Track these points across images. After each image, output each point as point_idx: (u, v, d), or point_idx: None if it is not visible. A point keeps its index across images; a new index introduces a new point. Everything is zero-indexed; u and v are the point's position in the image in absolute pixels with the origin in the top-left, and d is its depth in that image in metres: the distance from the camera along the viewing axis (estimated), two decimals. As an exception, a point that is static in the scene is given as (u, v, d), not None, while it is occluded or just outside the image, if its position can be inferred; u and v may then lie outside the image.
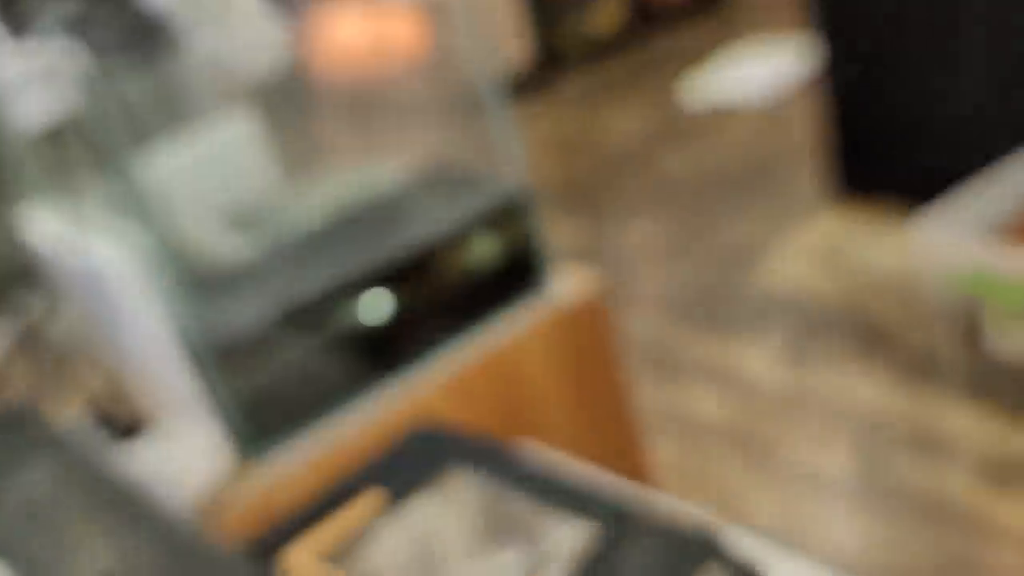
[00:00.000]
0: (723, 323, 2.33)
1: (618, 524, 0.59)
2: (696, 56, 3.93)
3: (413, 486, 0.68)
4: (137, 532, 0.54)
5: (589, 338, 1.13)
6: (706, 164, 3.14)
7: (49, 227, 1.05)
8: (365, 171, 1.22)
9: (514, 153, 1.10)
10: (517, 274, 1.11)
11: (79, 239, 0.94)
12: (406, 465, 0.73)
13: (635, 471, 1.20)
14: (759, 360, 2.15)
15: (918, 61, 2.28)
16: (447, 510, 0.65)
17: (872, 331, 2.14)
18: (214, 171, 1.11)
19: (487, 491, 0.67)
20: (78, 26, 1.16)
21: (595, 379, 1.14)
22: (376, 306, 1.04)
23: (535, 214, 1.12)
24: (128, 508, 0.57)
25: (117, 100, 0.93)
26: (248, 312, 1.01)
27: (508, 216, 1.12)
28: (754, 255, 2.55)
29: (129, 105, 1.00)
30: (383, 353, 1.04)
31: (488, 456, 0.71)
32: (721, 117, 3.42)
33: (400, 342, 1.05)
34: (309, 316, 1.01)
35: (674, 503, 0.65)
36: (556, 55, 4.02)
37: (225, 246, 1.08)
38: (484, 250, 1.10)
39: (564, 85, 4.07)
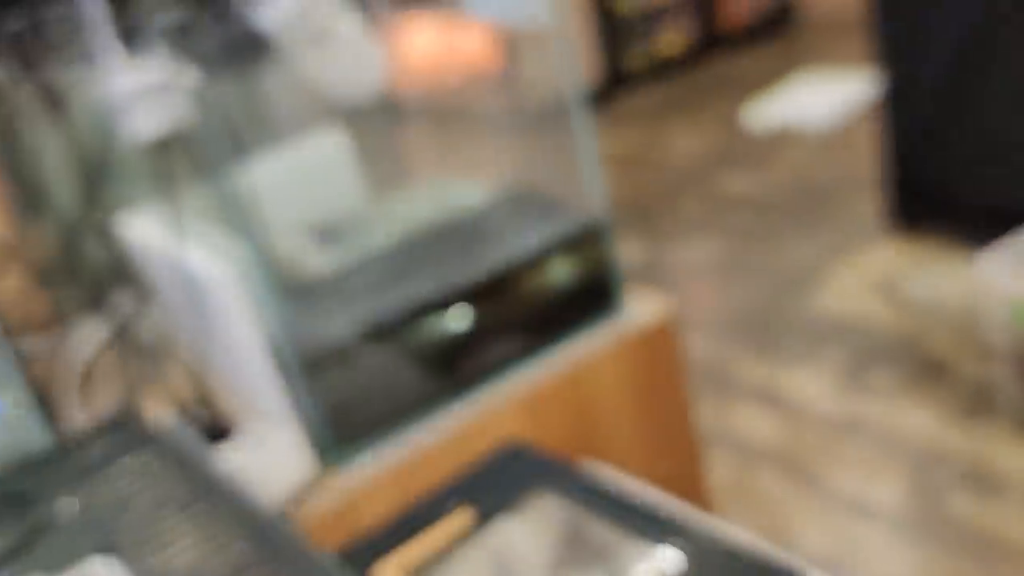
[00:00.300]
0: (777, 347, 2.29)
1: (704, 554, 0.58)
2: (759, 80, 3.87)
3: (498, 506, 0.67)
4: (234, 529, 0.54)
5: (659, 361, 1.11)
6: (765, 188, 3.09)
7: (148, 233, 1.06)
8: (449, 189, 1.21)
9: (595, 178, 1.09)
10: (592, 296, 1.10)
11: (177, 246, 0.95)
12: (492, 484, 0.72)
13: (695, 493, 1.18)
14: (812, 385, 2.11)
15: (980, 97, 2.22)
16: (530, 531, 0.64)
17: (928, 363, 2.09)
18: (306, 184, 1.11)
19: (570, 514, 0.65)
20: (184, 40, 1.17)
21: (662, 401, 1.12)
22: (456, 321, 1.04)
23: (612, 238, 1.10)
24: (226, 505, 0.57)
25: (220, 113, 0.93)
26: (333, 323, 1.01)
27: (587, 240, 1.10)
28: (811, 280, 2.51)
29: (231, 118, 1.01)
30: (460, 368, 1.04)
31: (571, 478, 0.70)
32: (782, 142, 3.36)
33: (477, 358, 1.04)
34: (392, 329, 1.01)
35: (752, 537, 0.64)
36: (622, 74, 3.99)
37: (313, 258, 1.08)
38: (562, 272, 1.09)
39: (629, 104, 4.04)
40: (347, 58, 0.92)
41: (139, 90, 0.89)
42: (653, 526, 0.64)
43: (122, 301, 1.08)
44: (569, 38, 1.02)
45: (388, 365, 1.00)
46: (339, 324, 1.00)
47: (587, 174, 1.10)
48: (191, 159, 0.97)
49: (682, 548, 0.61)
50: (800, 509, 1.77)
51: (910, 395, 1.99)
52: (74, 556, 0.54)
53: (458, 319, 1.03)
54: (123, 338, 1.05)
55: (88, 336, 1.08)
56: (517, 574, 0.52)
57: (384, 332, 1.00)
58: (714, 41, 4.22)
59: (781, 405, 2.07)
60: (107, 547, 0.54)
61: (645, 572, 0.58)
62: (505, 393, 1.02)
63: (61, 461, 0.65)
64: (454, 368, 1.03)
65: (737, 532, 0.65)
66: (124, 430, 0.67)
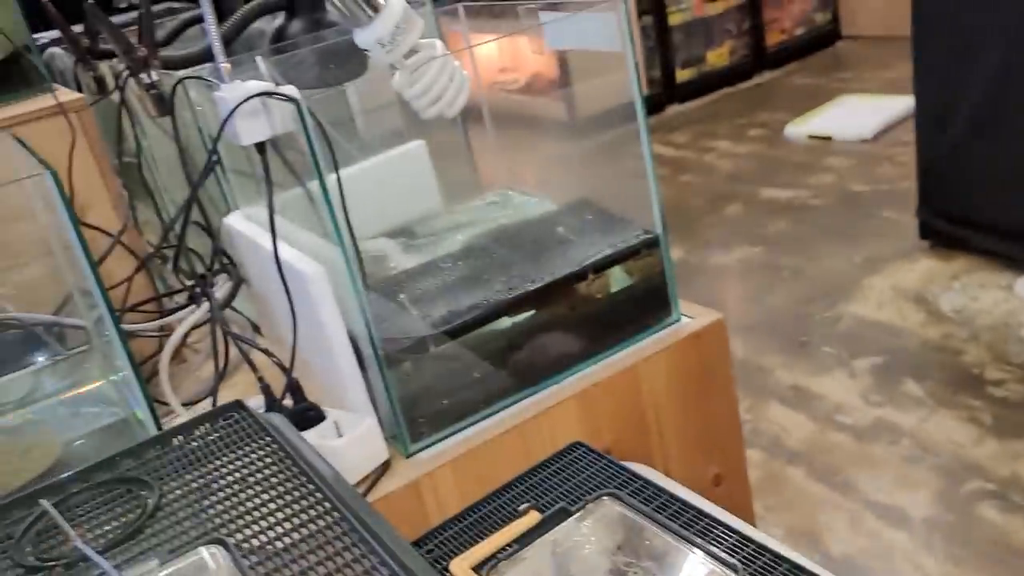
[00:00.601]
0: (811, 352, 2.29)
1: (765, 566, 0.60)
2: (804, 93, 3.85)
3: (562, 505, 0.70)
4: (333, 515, 0.56)
5: (710, 366, 1.13)
6: (806, 198, 3.08)
7: (246, 228, 1.10)
8: (516, 199, 1.24)
9: (654, 194, 1.11)
10: (649, 302, 1.12)
11: (273, 241, 0.99)
12: (556, 484, 0.75)
13: (742, 497, 1.20)
14: (845, 392, 2.11)
15: (1013, 124, 2.20)
16: (593, 533, 0.67)
17: (961, 375, 2.08)
18: (390, 190, 1.15)
19: (632, 517, 0.68)
20: (284, 49, 1.21)
21: (713, 405, 1.14)
22: (521, 323, 1.07)
23: (668, 250, 1.12)
24: (325, 490, 0.59)
25: (318, 121, 0.97)
26: (409, 320, 1.04)
27: (644, 250, 1.13)
28: (847, 289, 2.50)
29: (326, 126, 1.04)
30: (524, 367, 1.07)
31: (633, 481, 0.72)
32: (824, 153, 3.34)
33: (540, 358, 1.07)
34: (462, 328, 1.04)
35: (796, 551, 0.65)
36: (671, 83, 3.99)
37: (393, 258, 1.12)
38: (620, 279, 1.12)
39: (677, 112, 4.03)
40: (437, 78, 0.95)
41: (244, 94, 0.93)
42: (710, 533, 0.66)
43: (217, 286, 1.12)
44: (636, 59, 1.04)
45: (458, 361, 1.04)
46: (414, 321, 1.04)
47: (645, 189, 1.12)
48: (288, 161, 1.01)
49: (738, 557, 0.63)
50: (829, 512, 1.78)
51: (942, 406, 1.99)
52: (183, 542, 0.57)
53: (523, 320, 1.06)
54: (217, 325, 1.09)
55: (185, 321, 1.12)
56: (577, 573, 0.55)
57: (456, 330, 1.03)
58: (762, 54, 4.19)
59: (813, 409, 2.08)
60: (214, 532, 0.57)
61: None
62: (565, 392, 1.05)
63: (168, 446, 0.68)
64: (518, 366, 1.06)
65: (786, 546, 0.67)
66: (229, 416, 0.70)
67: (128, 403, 1.04)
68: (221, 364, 1.08)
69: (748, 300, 2.63)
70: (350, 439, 0.94)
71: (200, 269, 1.18)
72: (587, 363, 1.08)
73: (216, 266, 1.16)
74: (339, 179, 0.98)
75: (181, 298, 1.22)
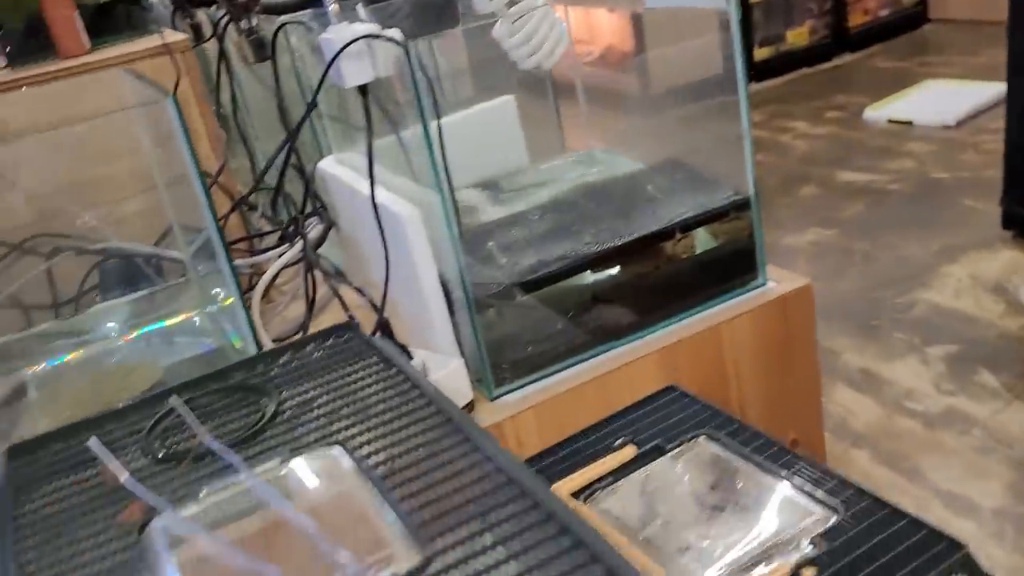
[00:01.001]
0: (883, 338, 2.25)
1: (865, 509, 0.60)
2: (887, 76, 3.76)
3: (658, 443, 0.71)
4: (442, 429, 0.58)
5: (794, 332, 1.14)
6: (884, 182, 3.02)
7: (342, 171, 1.13)
8: (608, 157, 1.25)
9: (747, 155, 1.11)
10: (736, 264, 1.12)
11: (370, 185, 1.01)
12: (651, 423, 0.76)
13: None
14: (916, 378, 2.07)
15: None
16: (688, 472, 0.68)
17: (1039, 369, 2.03)
18: (480, 142, 1.17)
19: (729, 458, 0.69)
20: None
21: (794, 371, 1.14)
22: (606, 276, 1.08)
23: (759, 211, 1.13)
24: (433, 407, 0.61)
25: (418, 69, 0.99)
26: (497, 268, 1.06)
27: (734, 211, 1.13)
28: (922, 275, 2.45)
29: (425, 74, 1.06)
30: (607, 320, 1.08)
31: (730, 424, 0.73)
32: (905, 138, 3.27)
33: (624, 312, 1.08)
34: (548, 279, 1.06)
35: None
36: (751, 62, 3.93)
37: (482, 209, 1.14)
38: (709, 239, 1.12)
39: (753, 91, 3.98)
40: (537, 27, 0.96)
41: (351, 36, 0.95)
42: (808, 475, 0.66)
43: (311, 226, 1.15)
44: (735, 16, 1.04)
45: (544, 311, 1.05)
46: (502, 269, 1.06)
47: (736, 152, 1.12)
48: (385, 108, 1.03)
49: (842, 502, 0.63)
50: (895, 497, 1.74)
51: (1018, 399, 1.94)
52: (303, 444, 0.59)
53: (610, 275, 1.08)
54: (307, 261, 1.13)
55: (278, 260, 1.16)
56: (676, 510, 0.56)
57: (542, 280, 1.05)
58: (843, 35, 4.11)
59: (882, 394, 2.05)
60: (331, 438, 0.60)
61: (802, 519, 0.61)
62: (648, 347, 1.06)
63: (279, 361, 0.71)
64: (602, 319, 1.07)
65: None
66: (340, 335, 0.73)
67: (223, 334, 1.08)
68: (311, 296, 1.11)
69: (819, 282, 2.59)
70: (437, 378, 0.96)
71: (290, 215, 1.21)
72: (671, 320, 1.09)
73: (308, 209, 1.20)
74: (439, 124, 1.00)
75: (270, 242, 1.26)
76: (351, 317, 1.03)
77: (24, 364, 1.08)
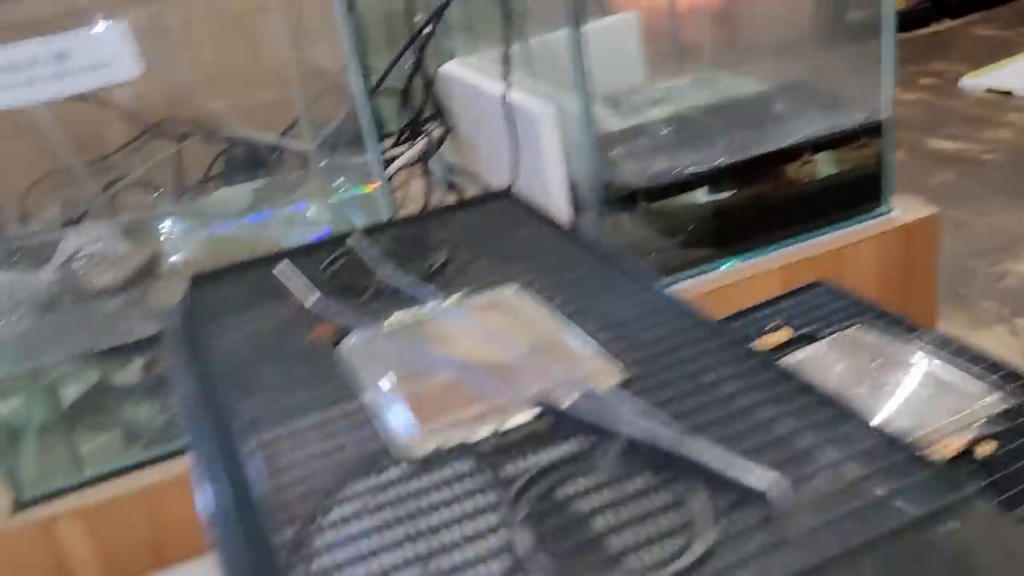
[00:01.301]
0: (971, 307, 2.21)
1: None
2: (986, 46, 3.64)
3: (814, 327, 0.71)
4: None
5: (917, 263, 1.13)
6: (977, 151, 2.93)
7: (467, 73, 1.14)
8: (731, 79, 1.24)
9: (886, 76, 1.09)
10: (863, 189, 1.11)
11: (501, 80, 1.02)
12: (804, 311, 0.76)
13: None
14: (1005, 349, 2.03)
15: None
16: (843, 359, 0.68)
17: None
18: (604, 54, 1.16)
19: (886, 345, 0.68)
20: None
21: (913, 303, 1.13)
22: (728, 191, 1.07)
23: (892, 134, 1.11)
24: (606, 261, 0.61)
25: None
26: (621, 175, 1.06)
27: (864, 135, 1.11)
28: (1015, 248, 2.38)
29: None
30: (727, 235, 1.08)
31: (885, 316, 0.73)
32: (1002, 108, 3.16)
33: (745, 229, 1.08)
34: (671, 187, 1.05)
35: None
36: (844, 25, 3.84)
37: (603, 118, 1.13)
38: (836, 161, 1.11)
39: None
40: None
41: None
42: (966, 357, 0.65)
43: (432, 128, 1.17)
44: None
45: (665, 220, 1.05)
46: (627, 175, 1.06)
47: (871, 76, 1.10)
48: (522, 11, 1.04)
49: (1001, 375, 0.63)
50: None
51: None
52: (482, 284, 0.60)
53: (735, 190, 1.07)
54: (427, 160, 1.14)
55: (399, 159, 1.17)
56: (839, 392, 0.56)
57: (666, 189, 1.05)
58: (942, 1, 3.98)
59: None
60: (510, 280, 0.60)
61: (975, 402, 0.61)
62: (770, 264, 1.06)
63: (445, 219, 0.72)
64: (725, 233, 1.07)
65: None
66: (503, 199, 0.74)
67: (346, 224, 1.10)
68: (432, 195, 1.13)
69: (906, 247, 2.54)
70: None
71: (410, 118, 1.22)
72: (794, 240, 1.08)
73: (428, 113, 1.21)
74: (578, 25, 1.00)
75: (387, 144, 1.27)
76: (509, 186, 1.04)
77: (150, 243, 1.12)
